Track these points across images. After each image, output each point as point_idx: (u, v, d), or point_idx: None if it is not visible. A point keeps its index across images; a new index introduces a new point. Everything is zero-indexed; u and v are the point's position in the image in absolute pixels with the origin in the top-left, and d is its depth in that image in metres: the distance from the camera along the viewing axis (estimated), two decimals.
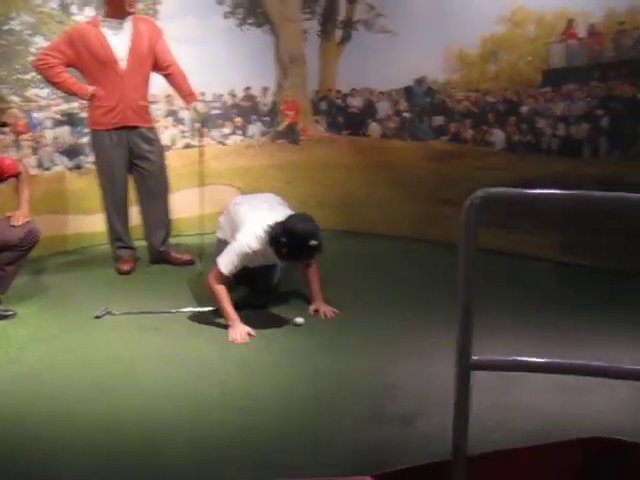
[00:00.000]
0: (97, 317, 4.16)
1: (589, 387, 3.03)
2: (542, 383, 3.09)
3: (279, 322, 4.04)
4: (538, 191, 1.97)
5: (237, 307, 3.95)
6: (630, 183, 4.67)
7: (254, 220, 3.94)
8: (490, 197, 2.10)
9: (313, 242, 3.75)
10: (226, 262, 3.87)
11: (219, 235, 4.35)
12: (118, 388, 3.27)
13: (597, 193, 1.90)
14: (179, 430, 2.89)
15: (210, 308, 4.15)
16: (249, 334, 3.83)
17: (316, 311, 4.16)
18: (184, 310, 4.22)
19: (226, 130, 6.07)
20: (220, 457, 2.69)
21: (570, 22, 5.01)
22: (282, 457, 2.68)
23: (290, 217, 3.87)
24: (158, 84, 5.14)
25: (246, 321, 3.92)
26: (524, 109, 5.26)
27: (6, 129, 4.73)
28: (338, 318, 4.09)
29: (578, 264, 4.88)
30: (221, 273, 3.87)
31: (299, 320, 3.98)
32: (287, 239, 3.73)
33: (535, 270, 4.91)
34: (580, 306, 4.12)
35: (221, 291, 3.90)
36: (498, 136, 5.39)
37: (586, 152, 5.05)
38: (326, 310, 4.14)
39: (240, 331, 3.82)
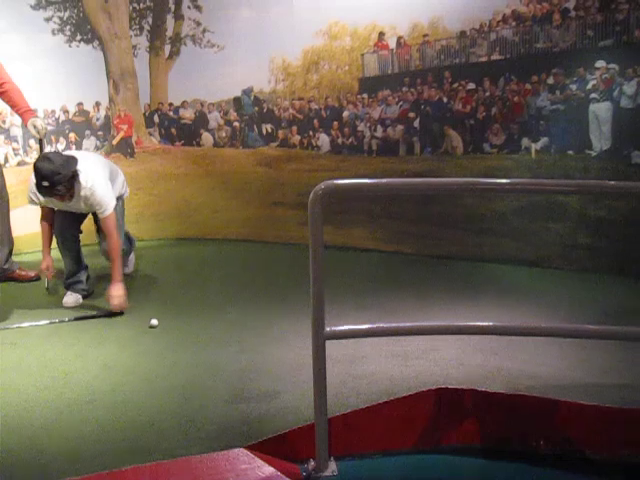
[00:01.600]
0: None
1: (419, 352, 3.54)
2: (381, 354, 3.53)
3: (134, 325, 4.22)
4: (373, 180, 2.35)
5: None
6: (440, 176, 5.26)
7: None
8: (332, 188, 2.42)
9: (44, 183, 4.10)
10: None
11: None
12: None
13: (421, 179, 2.30)
14: (53, 431, 3.01)
15: (65, 319, 4.28)
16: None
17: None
18: (42, 323, 4.30)
19: (61, 146, 6.11)
20: (95, 449, 2.86)
21: (381, 35, 5.54)
22: (154, 442, 2.89)
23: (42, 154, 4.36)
24: None
25: (102, 326, 4.10)
26: (345, 114, 5.73)
27: None
28: (190, 318, 4.33)
29: (399, 251, 5.43)
30: None
31: (154, 322, 4.18)
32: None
33: (362, 259, 5.39)
34: (403, 286, 4.66)
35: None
36: (323, 140, 5.83)
37: (402, 151, 5.59)
38: (113, 299, 4.40)
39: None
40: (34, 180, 4.25)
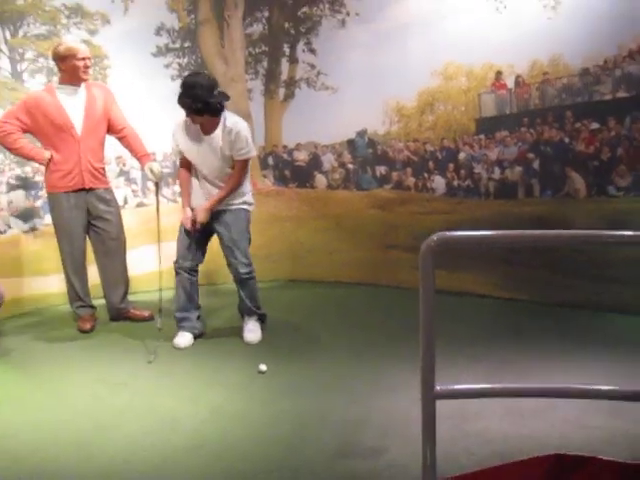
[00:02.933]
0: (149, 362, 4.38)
1: (536, 410, 3.31)
2: (495, 410, 3.34)
3: (243, 370, 4.19)
4: (488, 232, 2.21)
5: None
6: (561, 220, 5.02)
7: None
8: (444, 240, 2.29)
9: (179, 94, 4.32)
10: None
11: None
12: (91, 443, 3.35)
13: (539, 232, 2.14)
14: (156, 476, 3.00)
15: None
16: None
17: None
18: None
19: (177, 188, 6.23)
20: None
21: (498, 74, 5.39)
22: None
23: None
24: (108, 146, 5.29)
25: (212, 370, 4.10)
26: (461, 156, 5.58)
27: None
28: (300, 363, 4.26)
29: (514, 299, 5.20)
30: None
31: (263, 367, 4.14)
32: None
33: (475, 306, 5.18)
34: (519, 337, 4.44)
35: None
36: (438, 182, 5.70)
37: (520, 193, 5.38)
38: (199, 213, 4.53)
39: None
40: (175, 133, 4.53)
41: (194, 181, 4.62)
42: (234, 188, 4.53)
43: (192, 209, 4.59)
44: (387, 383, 3.87)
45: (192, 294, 4.74)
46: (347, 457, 3.08)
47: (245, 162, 4.52)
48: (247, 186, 4.67)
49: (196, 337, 4.74)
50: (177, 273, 4.68)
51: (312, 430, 3.37)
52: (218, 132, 4.43)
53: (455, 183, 5.63)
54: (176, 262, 4.66)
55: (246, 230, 4.68)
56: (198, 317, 4.82)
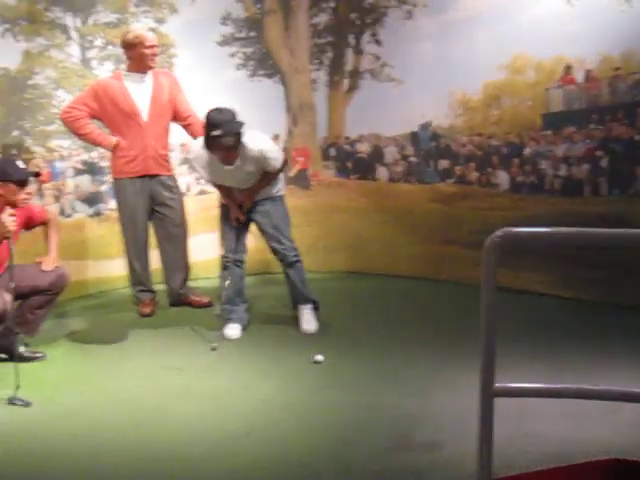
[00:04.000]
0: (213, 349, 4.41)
1: (594, 412, 3.21)
2: (554, 411, 3.26)
3: (299, 360, 4.20)
4: (554, 229, 2.16)
5: None
6: (629, 220, 4.88)
7: None
8: (509, 236, 2.25)
9: (215, 132, 4.19)
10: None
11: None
12: (149, 425, 3.41)
13: (606, 230, 2.08)
14: (210, 462, 3.03)
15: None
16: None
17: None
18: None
19: None
20: None
21: (568, 68, 5.26)
22: None
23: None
24: (172, 133, 5.34)
25: (268, 359, 4.14)
26: (527, 151, 5.48)
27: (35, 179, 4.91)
28: (356, 355, 4.25)
29: (576, 298, 5.08)
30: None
31: (319, 357, 4.14)
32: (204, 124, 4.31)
33: (536, 305, 5.08)
34: (581, 337, 4.33)
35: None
36: (502, 178, 5.60)
37: (587, 191, 5.26)
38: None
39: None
40: (196, 161, 4.51)
41: None
42: (272, 178, 4.59)
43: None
44: (443, 379, 3.83)
45: (240, 287, 4.78)
46: (401, 451, 3.06)
47: (277, 171, 4.60)
48: (281, 177, 4.74)
49: (243, 329, 4.76)
50: (226, 267, 4.71)
51: (366, 423, 3.35)
52: (238, 161, 4.41)
53: (519, 179, 5.53)
54: (225, 256, 4.70)
55: (285, 214, 4.73)
56: (246, 309, 4.84)
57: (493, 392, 2.30)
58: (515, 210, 5.49)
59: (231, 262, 4.68)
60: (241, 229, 4.67)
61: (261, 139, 4.45)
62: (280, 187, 4.71)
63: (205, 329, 4.77)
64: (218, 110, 4.26)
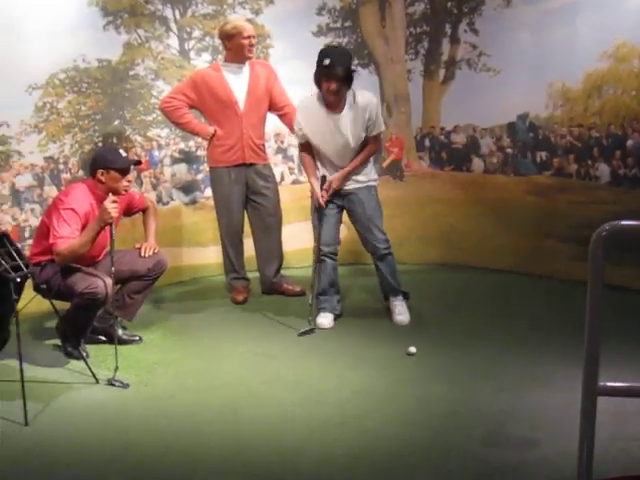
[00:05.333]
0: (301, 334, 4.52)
1: None
2: None
3: (392, 351, 4.18)
4: None
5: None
6: None
7: None
8: (617, 230, 2.17)
9: (326, 61, 4.26)
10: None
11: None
12: (244, 410, 3.48)
13: None
14: (304, 450, 3.07)
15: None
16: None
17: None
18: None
19: None
20: (344, 476, 2.86)
21: None
22: (403, 476, 2.84)
23: None
24: (268, 123, 5.38)
25: (360, 349, 4.14)
26: (629, 143, 5.28)
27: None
28: (448, 348, 4.20)
29: None
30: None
31: (412, 349, 4.12)
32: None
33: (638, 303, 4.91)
34: None
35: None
36: (603, 170, 5.42)
37: None
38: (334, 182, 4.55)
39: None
40: (299, 115, 4.54)
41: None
42: (370, 154, 4.59)
43: (323, 181, 4.60)
44: (539, 375, 3.75)
45: (334, 278, 4.78)
46: (497, 447, 3.03)
47: (379, 136, 4.63)
48: (372, 164, 4.72)
49: (335, 318, 4.77)
50: (320, 260, 4.71)
51: (461, 416, 3.33)
52: (346, 110, 4.44)
53: (621, 172, 5.33)
54: (319, 249, 4.69)
55: (378, 206, 4.68)
56: (339, 300, 4.84)
57: (597, 390, 2.24)
58: (616, 204, 5.30)
59: (325, 255, 4.69)
60: (334, 220, 4.66)
61: (372, 97, 4.55)
62: (374, 176, 4.68)
63: (298, 318, 4.80)
64: (334, 46, 4.56)
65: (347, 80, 4.33)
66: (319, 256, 4.69)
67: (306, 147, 4.63)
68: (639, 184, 5.25)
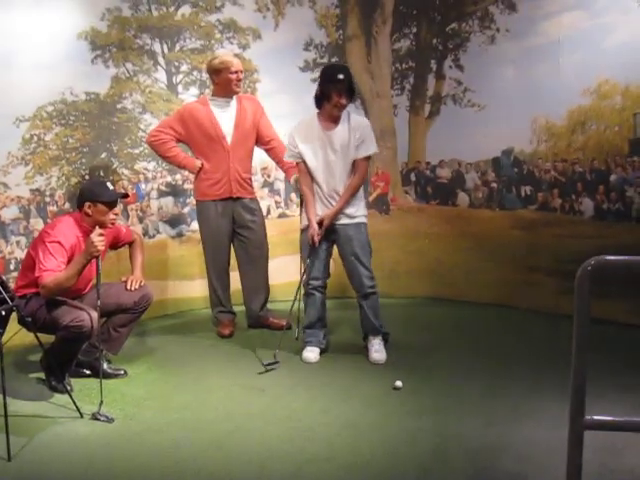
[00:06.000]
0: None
1: None
2: None
3: (378, 385, 4.17)
4: None
5: None
6: None
7: None
8: (602, 264, 2.19)
9: (340, 75, 4.36)
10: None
11: (301, 227, 4.76)
12: (231, 445, 3.43)
13: None
14: None
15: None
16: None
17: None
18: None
19: None
20: None
21: None
22: None
23: None
24: (254, 157, 5.40)
25: (348, 383, 4.12)
26: (613, 178, 5.35)
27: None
28: (435, 382, 4.19)
29: None
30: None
31: (398, 384, 4.10)
32: (320, 79, 4.50)
33: (623, 335, 4.92)
34: None
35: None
36: (587, 205, 5.48)
37: None
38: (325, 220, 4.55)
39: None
40: (294, 133, 4.57)
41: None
42: (357, 186, 4.57)
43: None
44: (525, 409, 3.75)
45: (322, 313, 4.78)
46: None
47: (367, 161, 4.62)
48: (362, 194, 4.73)
49: (321, 352, 4.76)
50: (310, 294, 4.71)
51: (449, 451, 3.30)
52: (339, 128, 4.51)
53: (604, 206, 5.40)
54: (307, 283, 4.68)
55: (367, 243, 4.67)
56: (325, 335, 4.84)
57: (584, 425, 2.24)
58: (600, 238, 5.36)
59: (314, 289, 4.69)
60: (324, 255, 4.65)
61: (364, 118, 4.74)
62: (363, 211, 4.68)
63: (284, 351, 4.78)
64: (333, 63, 4.75)
65: (353, 95, 4.47)
66: (307, 290, 4.68)
67: (304, 173, 4.61)
68: (622, 218, 5.31)
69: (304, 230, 4.68)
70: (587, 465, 2.23)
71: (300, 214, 4.84)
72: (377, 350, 4.65)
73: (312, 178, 4.59)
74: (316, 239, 4.54)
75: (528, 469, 3.09)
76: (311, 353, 4.67)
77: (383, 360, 4.60)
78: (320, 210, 4.59)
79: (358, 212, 4.62)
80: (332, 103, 4.41)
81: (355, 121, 4.56)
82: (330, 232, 4.62)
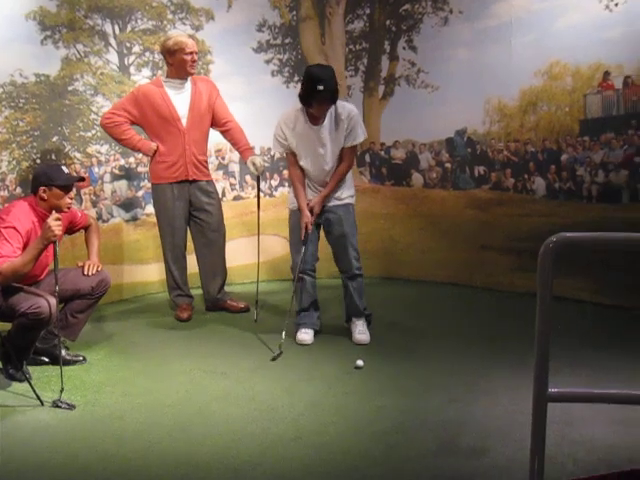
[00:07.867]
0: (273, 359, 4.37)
1: None
2: (600, 418, 3.26)
3: (340, 366, 4.20)
4: (611, 234, 2.15)
5: None
6: None
7: None
8: (564, 241, 2.24)
9: (320, 86, 4.20)
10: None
11: (289, 207, 4.72)
12: (195, 428, 3.43)
13: None
14: (258, 466, 3.04)
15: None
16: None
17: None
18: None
19: (274, 182, 6.32)
20: None
21: (606, 74, 5.23)
22: None
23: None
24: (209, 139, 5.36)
25: (309, 363, 4.15)
26: (564, 158, 5.45)
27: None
28: (396, 361, 4.25)
29: (615, 305, 5.06)
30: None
31: (360, 363, 4.14)
32: (303, 80, 4.34)
33: (575, 312, 5.03)
34: (623, 345, 4.32)
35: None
36: (539, 184, 5.58)
37: (625, 198, 5.22)
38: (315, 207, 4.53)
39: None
40: (282, 125, 4.49)
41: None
42: (345, 173, 4.56)
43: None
44: (486, 385, 3.82)
45: (314, 295, 4.76)
46: (448, 456, 3.06)
47: (355, 148, 4.62)
48: (351, 177, 4.71)
49: (315, 334, 4.73)
50: (300, 279, 4.65)
51: (412, 427, 3.36)
52: (327, 121, 4.45)
53: (556, 185, 5.50)
54: (297, 268, 4.61)
55: (354, 224, 4.68)
56: (318, 316, 4.82)
57: (547, 397, 2.30)
58: (552, 217, 5.46)
59: (304, 273, 4.66)
60: (312, 237, 4.61)
61: (350, 106, 4.57)
62: (352, 193, 4.68)
63: (244, 333, 4.78)
64: (320, 66, 4.45)
65: (335, 99, 4.38)
66: (297, 274, 4.65)
67: (293, 160, 4.58)
68: (573, 197, 5.42)
69: (294, 212, 4.65)
70: (548, 438, 2.30)
71: (289, 193, 4.79)
72: (361, 332, 4.66)
73: (301, 169, 4.57)
74: (309, 227, 4.53)
75: (490, 443, 3.15)
76: (306, 335, 4.66)
77: (367, 341, 4.61)
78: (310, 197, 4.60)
79: (345, 193, 4.62)
80: (314, 108, 4.36)
81: (343, 110, 4.46)
82: (319, 215, 4.60)
